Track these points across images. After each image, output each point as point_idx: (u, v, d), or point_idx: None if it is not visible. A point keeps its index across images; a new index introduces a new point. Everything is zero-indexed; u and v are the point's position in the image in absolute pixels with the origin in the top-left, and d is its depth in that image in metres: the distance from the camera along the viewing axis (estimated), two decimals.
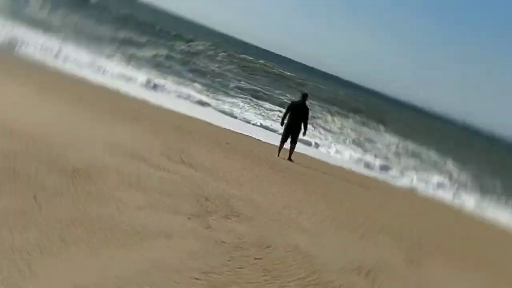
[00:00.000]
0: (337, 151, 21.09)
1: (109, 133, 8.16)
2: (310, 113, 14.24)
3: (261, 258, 5.07)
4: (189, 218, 5.43)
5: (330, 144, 22.23)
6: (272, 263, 5.07)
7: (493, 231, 13.24)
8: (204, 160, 8.76)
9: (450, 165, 25.69)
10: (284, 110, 14.48)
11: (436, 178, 21.33)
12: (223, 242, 5.14)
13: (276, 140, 16.49)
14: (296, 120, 13.38)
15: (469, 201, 19.33)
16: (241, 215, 6.23)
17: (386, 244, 7.45)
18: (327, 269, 5.43)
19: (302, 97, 13.67)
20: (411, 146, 29.90)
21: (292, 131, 13.39)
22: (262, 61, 51.77)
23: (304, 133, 13.79)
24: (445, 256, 8.17)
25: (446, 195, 20.06)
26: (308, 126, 14.37)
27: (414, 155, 27.51)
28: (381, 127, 34.27)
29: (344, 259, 5.95)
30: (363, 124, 33.97)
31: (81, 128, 8.03)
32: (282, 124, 13.67)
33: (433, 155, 28.34)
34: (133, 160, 6.94)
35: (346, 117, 34.16)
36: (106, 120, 9.23)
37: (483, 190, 21.26)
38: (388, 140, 30.82)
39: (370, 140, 29.60)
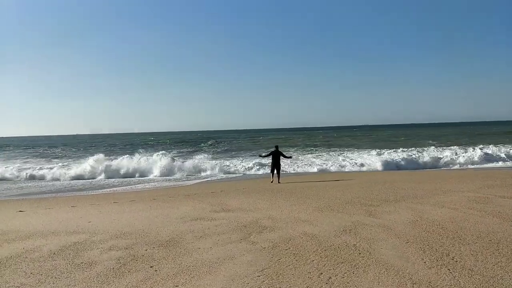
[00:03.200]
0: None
1: (175, 212, 8.08)
2: (283, 152, 15.12)
3: (288, 248, 5.03)
4: (240, 242, 5.37)
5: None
6: (295, 247, 5.00)
7: None
8: (235, 204, 8.72)
9: None
10: (267, 152, 15.34)
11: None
12: (263, 248, 5.08)
13: (268, 175, 16.72)
14: (276, 160, 14.43)
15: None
16: (268, 227, 6.17)
17: (353, 210, 7.42)
18: (326, 238, 5.37)
19: (275, 147, 14.87)
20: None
21: (275, 167, 14.40)
22: None
23: (290, 157, 15.35)
24: (386, 203, 8.13)
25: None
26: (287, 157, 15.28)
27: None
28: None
29: (333, 229, 5.87)
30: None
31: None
32: (259, 156, 15.50)
33: None
34: (196, 221, 6.91)
35: None
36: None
37: None
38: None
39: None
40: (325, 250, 4.82)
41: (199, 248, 5.18)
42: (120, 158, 24.42)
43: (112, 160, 24.06)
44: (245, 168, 21.73)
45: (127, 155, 26.05)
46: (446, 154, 23.30)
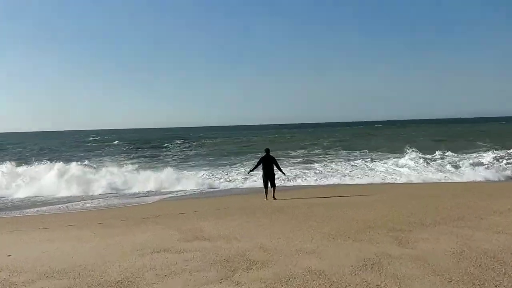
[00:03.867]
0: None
1: (131, 241, 8.02)
2: (276, 159, 15.28)
3: None
4: (220, 283, 5.33)
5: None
6: None
7: None
8: (213, 229, 8.67)
9: None
10: (255, 163, 15.27)
11: None
12: None
13: (258, 189, 16.88)
14: (268, 168, 14.63)
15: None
16: (259, 262, 6.14)
17: (376, 237, 7.44)
18: (340, 277, 5.35)
19: (266, 151, 15.00)
20: None
21: (268, 177, 14.63)
22: None
23: (283, 172, 15.25)
24: (421, 228, 8.20)
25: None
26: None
27: None
28: None
29: (349, 264, 5.86)
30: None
31: None
32: (249, 172, 15.55)
33: None
34: (159, 254, 6.84)
35: None
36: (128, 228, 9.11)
37: None
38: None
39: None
40: None
41: None
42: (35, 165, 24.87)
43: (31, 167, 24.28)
44: (227, 180, 21.69)
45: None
46: None
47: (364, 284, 5.08)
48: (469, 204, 10.86)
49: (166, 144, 59.34)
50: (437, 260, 5.92)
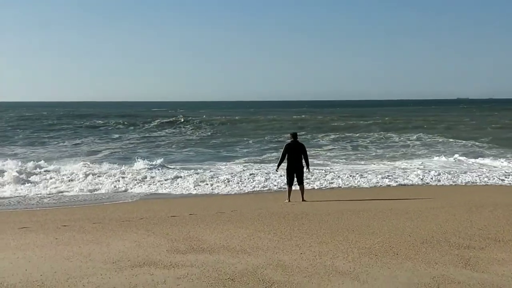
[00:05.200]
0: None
1: (105, 251, 8.08)
2: (306, 148, 15.13)
3: None
4: None
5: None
6: None
7: None
8: (215, 239, 8.70)
9: None
10: (281, 153, 15.18)
11: None
12: None
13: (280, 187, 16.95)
14: (296, 159, 14.46)
15: None
16: (275, 283, 6.14)
17: (434, 256, 7.39)
18: None
19: (293, 136, 14.89)
20: None
21: (295, 171, 14.52)
22: None
23: (308, 169, 14.76)
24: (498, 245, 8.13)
25: None
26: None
27: None
28: None
29: None
30: None
31: None
32: (277, 168, 14.86)
33: None
34: (142, 268, 6.88)
35: None
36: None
37: None
38: None
39: None
40: None
41: None
42: None
43: None
44: (233, 174, 21.65)
45: None
46: None
47: None
48: None
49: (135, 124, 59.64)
50: None
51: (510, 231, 9.03)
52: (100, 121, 64.78)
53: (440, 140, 39.92)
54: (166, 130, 54.22)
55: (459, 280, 6.18)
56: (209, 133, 50.19)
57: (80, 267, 6.97)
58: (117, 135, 47.93)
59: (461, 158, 26.61)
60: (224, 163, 25.87)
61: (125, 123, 61.77)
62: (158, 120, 64.28)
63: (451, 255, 7.37)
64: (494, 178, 20.39)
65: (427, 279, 6.23)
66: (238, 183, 19.30)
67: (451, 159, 26.21)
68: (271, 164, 23.30)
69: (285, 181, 15.23)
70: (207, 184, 19.20)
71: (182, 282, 6.22)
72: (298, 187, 14.86)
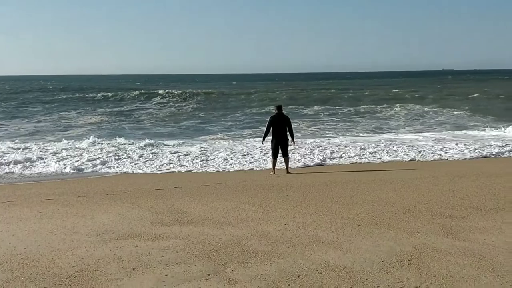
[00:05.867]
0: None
1: (89, 224, 8.08)
2: (291, 121, 15.13)
3: None
4: (206, 279, 5.38)
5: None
6: None
7: None
8: (199, 211, 8.74)
9: None
10: (264, 128, 15.17)
11: None
12: None
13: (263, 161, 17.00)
14: (280, 131, 14.49)
15: None
16: (259, 254, 6.19)
17: (416, 225, 7.47)
18: (367, 275, 5.39)
19: (277, 109, 14.87)
20: None
21: (280, 143, 14.53)
22: None
23: (293, 141, 14.75)
24: (479, 214, 8.23)
25: None
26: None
27: None
28: None
29: (379, 258, 5.91)
30: None
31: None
32: (263, 141, 14.80)
33: None
34: (126, 240, 6.89)
35: None
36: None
37: None
38: None
39: None
40: None
41: None
42: None
43: None
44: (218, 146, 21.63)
45: None
46: None
47: (398, 285, 5.12)
48: None
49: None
50: (498, 257, 5.94)
51: (492, 200, 9.14)
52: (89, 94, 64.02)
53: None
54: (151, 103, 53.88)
55: (440, 249, 6.26)
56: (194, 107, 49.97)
57: (64, 240, 6.98)
58: (102, 109, 47.62)
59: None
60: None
61: (109, 96, 61.23)
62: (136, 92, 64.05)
63: (433, 224, 7.47)
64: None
65: (409, 248, 6.31)
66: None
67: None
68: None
69: (270, 153, 15.26)
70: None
71: (166, 254, 6.25)
72: (282, 160, 14.92)
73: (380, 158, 18.63)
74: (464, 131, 26.87)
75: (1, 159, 18.23)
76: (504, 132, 25.81)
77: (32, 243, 6.88)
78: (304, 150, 19.81)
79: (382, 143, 21.81)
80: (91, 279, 5.49)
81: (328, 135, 26.56)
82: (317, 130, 29.58)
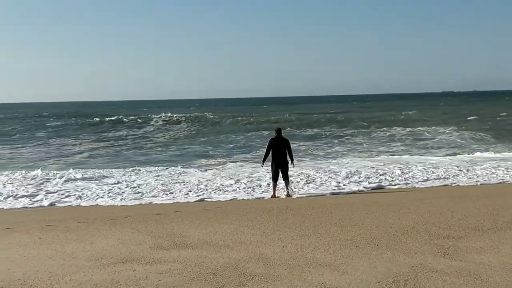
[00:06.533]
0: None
1: (88, 249, 8.11)
2: (290, 143, 15.25)
3: None
4: None
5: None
6: None
7: None
8: (198, 235, 8.75)
9: None
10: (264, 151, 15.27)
11: None
12: None
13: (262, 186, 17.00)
14: (280, 154, 14.54)
15: None
16: (256, 276, 6.21)
17: (414, 246, 7.49)
18: None
19: (277, 132, 14.97)
20: None
21: (280, 166, 14.54)
22: None
23: (292, 164, 14.81)
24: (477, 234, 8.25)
25: None
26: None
27: None
28: None
29: (375, 280, 5.93)
30: None
31: None
32: (263, 164, 14.91)
33: None
34: (125, 265, 6.92)
35: None
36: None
37: None
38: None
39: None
40: None
41: None
42: None
43: None
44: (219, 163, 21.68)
45: None
46: None
47: None
48: None
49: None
50: (494, 276, 5.97)
51: (490, 220, 9.15)
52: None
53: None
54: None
55: (437, 269, 6.28)
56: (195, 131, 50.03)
57: (63, 265, 7.01)
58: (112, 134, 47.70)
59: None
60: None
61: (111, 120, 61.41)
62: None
63: (431, 245, 7.49)
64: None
65: (405, 269, 6.33)
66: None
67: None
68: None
69: (271, 176, 15.28)
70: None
71: (164, 277, 6.28)
72: (283, 183, 14.95)
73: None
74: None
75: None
76: None
77: (31, 268, 6.91)
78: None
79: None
80: None
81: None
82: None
